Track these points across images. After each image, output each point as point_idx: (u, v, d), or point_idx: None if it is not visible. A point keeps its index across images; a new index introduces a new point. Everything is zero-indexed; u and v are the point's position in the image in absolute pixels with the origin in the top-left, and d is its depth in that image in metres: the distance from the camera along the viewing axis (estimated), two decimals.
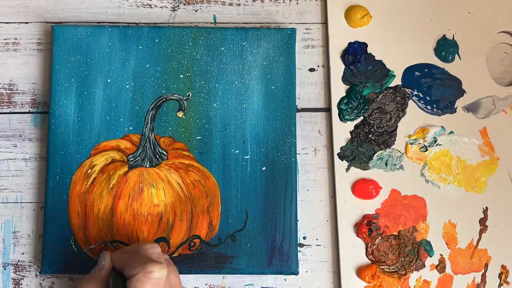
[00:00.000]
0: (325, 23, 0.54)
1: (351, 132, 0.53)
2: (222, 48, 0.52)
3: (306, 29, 0.54)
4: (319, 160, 0.53)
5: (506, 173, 0.53)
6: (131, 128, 0.51)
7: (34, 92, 0.53)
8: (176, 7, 0.54)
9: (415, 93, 0.53)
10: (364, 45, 0.53)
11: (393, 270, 0.51)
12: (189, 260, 0.50)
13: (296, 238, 0.50)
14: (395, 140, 0.53)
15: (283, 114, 0.51)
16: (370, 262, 0.51)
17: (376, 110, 0.53)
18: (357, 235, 0.51)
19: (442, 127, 0.53)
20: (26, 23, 0.54)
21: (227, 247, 0.50)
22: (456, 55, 0.54)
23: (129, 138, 0.51)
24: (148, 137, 0.51)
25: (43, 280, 0.51)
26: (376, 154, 0.52)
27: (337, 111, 0.53)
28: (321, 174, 0.53)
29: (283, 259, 0.50)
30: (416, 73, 0.53)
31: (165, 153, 0.51)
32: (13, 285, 0.51)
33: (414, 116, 0.53)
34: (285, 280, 0.51)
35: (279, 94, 0.52)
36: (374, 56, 0.53)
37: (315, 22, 0.55)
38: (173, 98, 0.51)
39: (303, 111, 0.53)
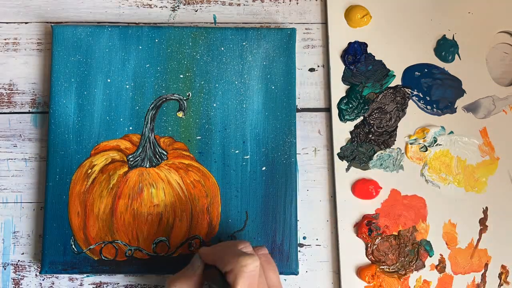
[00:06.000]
0: (325, 23, 0.54)
1: (351, 132, 0.53)
2: (222, 48, 0.52)
3: (306, 29, 0.54)
4: (319, 160, 0.53)
5: (506, 173, 0.53)
6: (131, 128, 0.51)
7: (34, 92, 0.53)
8: (176, 7, 0.54)
9: (415, 93, 0.53)
10: (364, 45, 0.53)
11: (393, 270, 0.51)
12: (188, 260, 0.49)
13: (296, 238, 0.50)
14: (395, 140, 0.53)
15: (283, 114, 0.51)
16: (370, 262, 0.51)
17: (376, 110, 0.53)
18: (357, 235, 0.51)
19: (442, 127, 0.53)
20: (26, 23, 0.54)
21: None
22: (456, 55, 0.54)
23: (129, 138, 0.51)
24: (148, 137, 0.51)
25: (43, 280, 0.51)
26: (376, 154, 0.52)
27: (337, 111, 0.53)
28: (321, 174, 0.53)
29: (283, 259, 0.50)
30: (416, 73, 0.53)
31: (165, 153, 0.51)
32: (13, 285, 0.51)
33: (414, 116, 0.53)
34: (285, 280, 0.51)
35: (279, 94, 0.52)
36: (374, 56, 0.53)
37: (315, 22, 0.55)
38: (173, 98, 0.51)
39: (303, 111, 0.53)
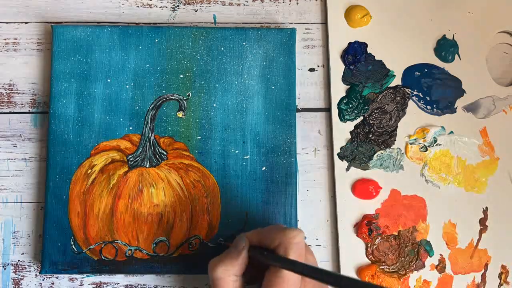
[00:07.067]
0: (325, 23, 0.54)
1: (351, 132, 0.53)
2: (222, 48, 0.52)
3: (306, 29, 0.54)
4: (319, 160, 0.53)
5: (506, 173, 0.53)
6: (131, 128, 0.51)
7: (34, 92, 0.53)
8: (176, 7, 0.54)
9: (415, 93, 0.53)
10: (364, 45, 0.53)
11: (393, 270, 0.51)
12: (189, 260, 0.50)
13: None
14: (395, 140, 0.53)
15: (283, 114, 0.51)
16: (370, 262, 0.51)
17: (376, 110, 0.53)
18: (357, 235, 0.51)
19: (442, 127, 0.53)
20: (26, 23, 0.54)
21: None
22: (456, 55, 0.54)
23: (129, 138, 0.51)
24: (148, 137, 0.51)
25: (43, 280, 0.51)
26: (376, 154, 0.52)
27: (337, 111, 0.53)
28: (321, 174, 0.53)
29: None
30: (416, 73, 0.53)
31: (165, 153, 0.51)
32: (13, 285, 0.51)
33: (414, 116, 0.53)
34: None
35: (279, 94, 0.52)
36: (374, 56, 0.53)
37: (315, 22, 0.55)
38: (173, 98, 0.51)
39: (303, 111, 0.53)
